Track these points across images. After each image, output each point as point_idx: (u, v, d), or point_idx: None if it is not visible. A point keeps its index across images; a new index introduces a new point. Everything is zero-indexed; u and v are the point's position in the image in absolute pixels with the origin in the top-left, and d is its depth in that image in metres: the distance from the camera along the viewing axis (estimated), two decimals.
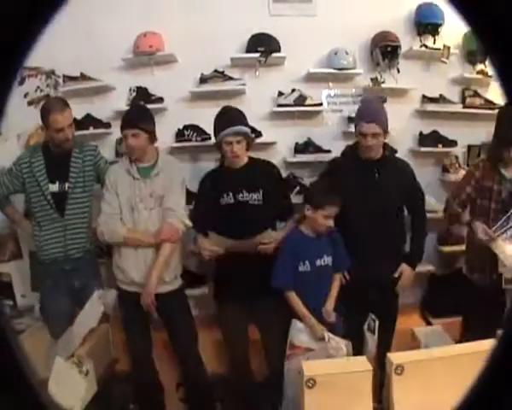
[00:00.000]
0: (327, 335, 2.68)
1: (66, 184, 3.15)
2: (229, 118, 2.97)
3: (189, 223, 3.02)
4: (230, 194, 2.95)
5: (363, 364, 2.12)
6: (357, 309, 2.86)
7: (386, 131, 2.96)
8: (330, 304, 2.84)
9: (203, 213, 3.05)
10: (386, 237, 2.99)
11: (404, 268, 3.11)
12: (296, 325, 2.76)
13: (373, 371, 2.09)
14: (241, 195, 2.96)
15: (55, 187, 3.14)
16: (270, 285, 2.88)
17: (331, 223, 2.80)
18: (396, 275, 3.09)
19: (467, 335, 3.11)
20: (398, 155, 3.52)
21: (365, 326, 2.80)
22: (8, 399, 0.41)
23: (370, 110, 3.03)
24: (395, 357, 2.15)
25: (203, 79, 3.78)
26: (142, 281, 2.97)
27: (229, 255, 2.92)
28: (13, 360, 0.41)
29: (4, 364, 0.41)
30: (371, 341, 2.71)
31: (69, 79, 3.86)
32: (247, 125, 3.00)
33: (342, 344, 2.65)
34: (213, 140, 3.42)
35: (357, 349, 2.66)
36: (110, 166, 3.19)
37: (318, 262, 2.84)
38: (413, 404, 2.04)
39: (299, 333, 2.73)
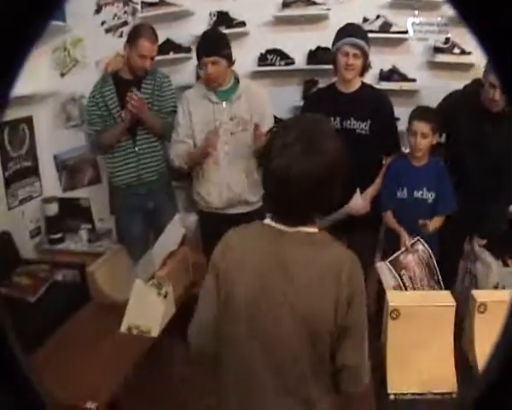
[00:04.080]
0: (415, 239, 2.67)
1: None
2: (352, 30, 2.86)
3: None
4: (338, 119, 2.84)
5: (446, 298, 2.07)
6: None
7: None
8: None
9: None
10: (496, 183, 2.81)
11: None
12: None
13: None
14: (348, 121, 2.84)
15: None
16: None
17: (418, 142, 2.70)
18: None
19: None
20: None
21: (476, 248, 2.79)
22: (8, 398, 0.38)
23: None
24: (478, 295, 2.10)
25: (286, 3, 3.67)
26: (225, 206, 2.99)
27: None
28: (11, 357, 0.38)
29: (2, 362, 0.38)
30: (494, 265, 2.72)
31: (148, 4, 3.85)
32: (369, 46, 2.87)
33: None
34: (297, 64, 3.35)
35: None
36: (184, 92, 3.14)
37: (416, 193, 2.76)
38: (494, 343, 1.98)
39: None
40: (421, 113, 2.76)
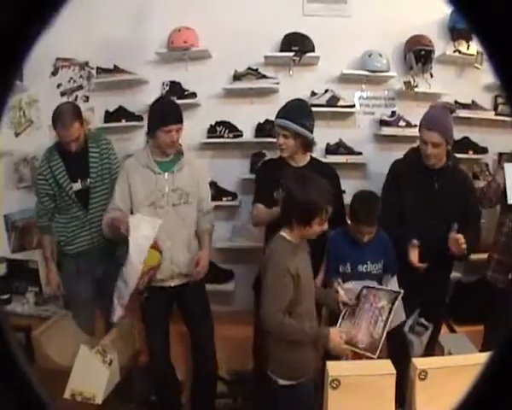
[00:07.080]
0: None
1: (88, 180, 3.17)
2: (285, 110, 2.92)
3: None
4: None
5: (386, 366, 2.10)
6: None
7: (448, 142, 2.88)
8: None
9: (261, 200, 2.98)
10: (439, 244, 2.87)
11: None
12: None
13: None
14: None
15: (77, 185, 3.16)
16: None
17: (365, 239, 2.77)
18: None
19: (486, 342, 3.10)
20: None
21: (407, 328, 2.80)
22: (8, 399, 0.41)
23: (433, 118, 2.95)
24: (419, 362, 2.13)
25: (237, 76, 3.78)
26: (164, 278, 2.95)
27: None
28: (12, 359, 0.41)
29: (3, 363, 0.41)
30: (418, 345, 2.73)
31: (103, 70, 3.89)
32: (303, 124, 2.88)
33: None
34: (245, 137, 3.43)
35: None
36: (125, 161, 3.10)
37: (360, 268, 2.80)
38: None
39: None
40: (367, 217, 2.75)
